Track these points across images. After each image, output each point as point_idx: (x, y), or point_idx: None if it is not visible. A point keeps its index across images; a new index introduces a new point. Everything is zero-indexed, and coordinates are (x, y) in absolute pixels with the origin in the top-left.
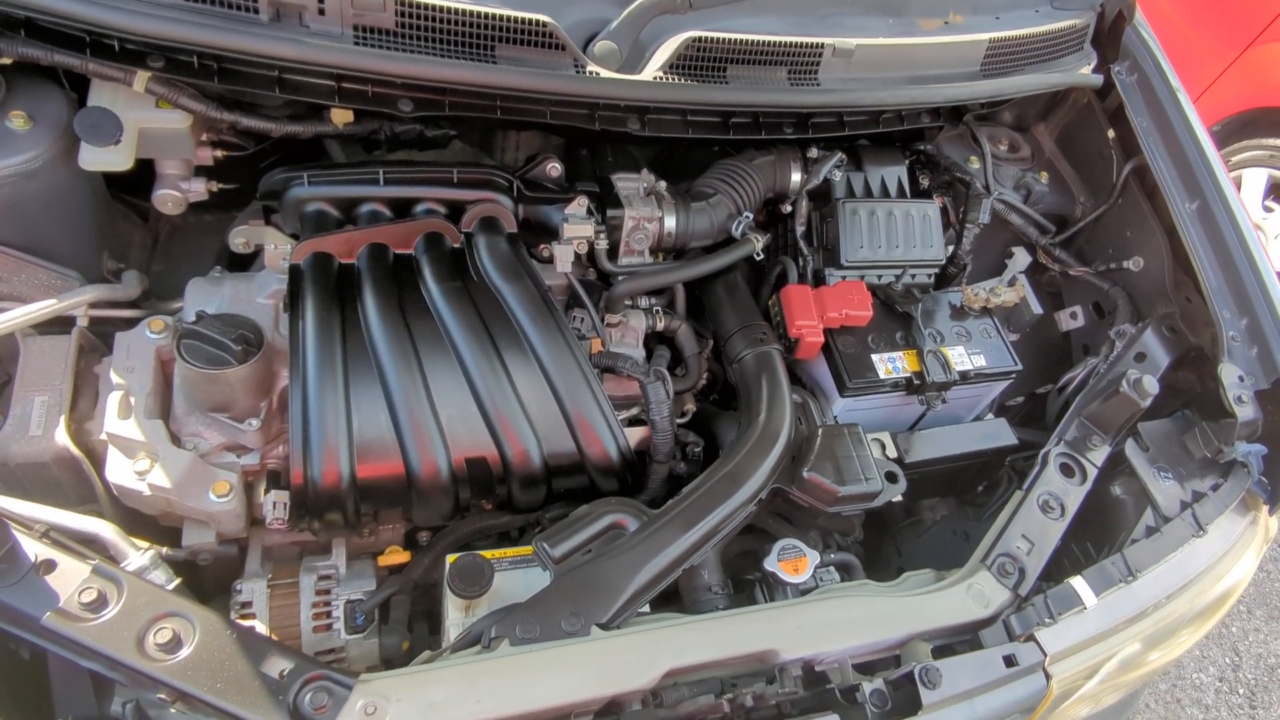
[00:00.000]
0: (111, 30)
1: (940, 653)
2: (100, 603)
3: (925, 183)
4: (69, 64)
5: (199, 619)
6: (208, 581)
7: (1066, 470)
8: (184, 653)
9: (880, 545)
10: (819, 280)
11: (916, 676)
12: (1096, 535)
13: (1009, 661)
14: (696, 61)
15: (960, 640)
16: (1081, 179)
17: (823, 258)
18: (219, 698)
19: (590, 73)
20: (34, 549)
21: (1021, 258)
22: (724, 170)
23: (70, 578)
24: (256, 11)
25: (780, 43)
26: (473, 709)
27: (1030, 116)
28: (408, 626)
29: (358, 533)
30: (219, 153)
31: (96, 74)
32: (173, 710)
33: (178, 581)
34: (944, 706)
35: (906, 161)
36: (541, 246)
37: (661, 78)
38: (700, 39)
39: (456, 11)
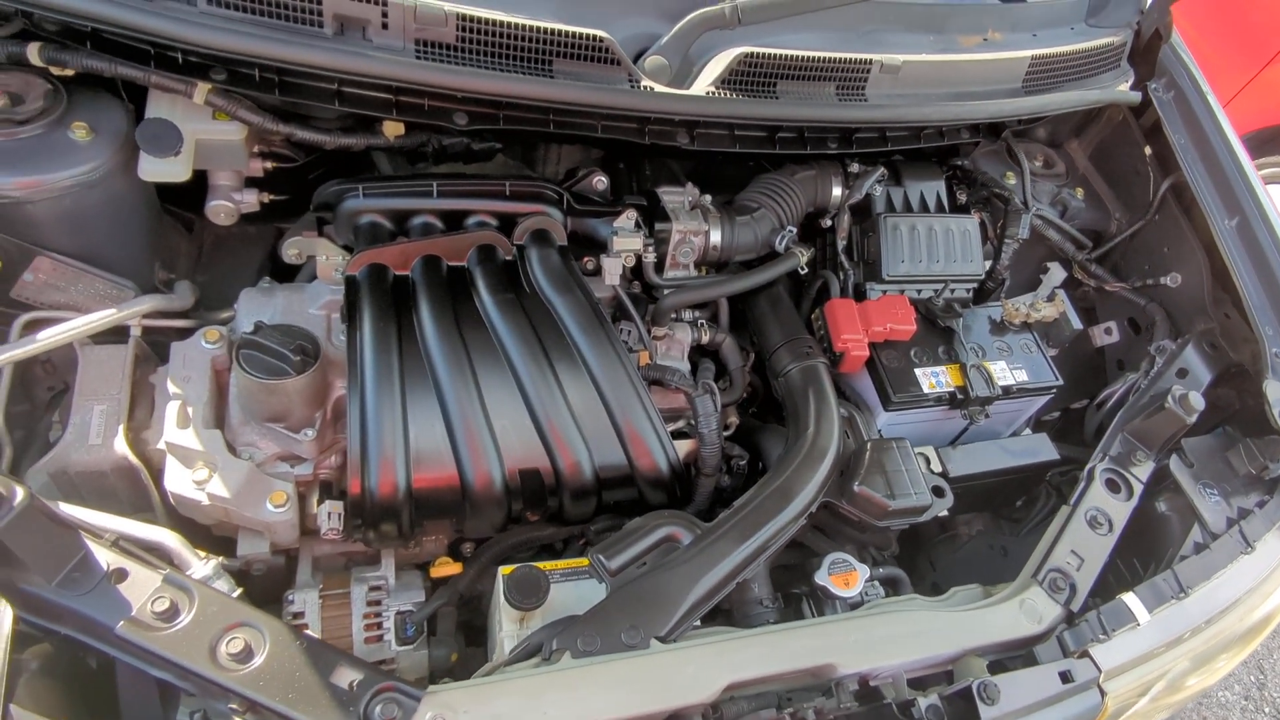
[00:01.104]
0: (180, 43)
1: (993, 668)
2: (172, 612)
3: (963, 198)
4: (131, 76)
5: (269, 629)
6: (255, 591)
7: (1112, 485)
8: (256, 662)
9: (915, 560)
10: (859, 294)
11: (975, 692)
12: (1143, 551)
13: (1065, 677)
14: (748, 77)
15: (1012, 656)
16: (1116, 195)
17: (863, 272)
18: (291, 708)
19: (645, 87)
20: (105, 558)
21: (1057, 273)
22: (766, 185)
23: (142, 587)
24: (321, 25)
25: (830, 59)
26: None
27: (1064, 133)
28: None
29: (408, 544)
30: (269, 164)
31: (158, 86)
32: None
33: (240, 591)
34: None
35: (944, 176)
36: (586, 259)
37: (713, 92)
38: (752, 54)
39: (516, 26)
